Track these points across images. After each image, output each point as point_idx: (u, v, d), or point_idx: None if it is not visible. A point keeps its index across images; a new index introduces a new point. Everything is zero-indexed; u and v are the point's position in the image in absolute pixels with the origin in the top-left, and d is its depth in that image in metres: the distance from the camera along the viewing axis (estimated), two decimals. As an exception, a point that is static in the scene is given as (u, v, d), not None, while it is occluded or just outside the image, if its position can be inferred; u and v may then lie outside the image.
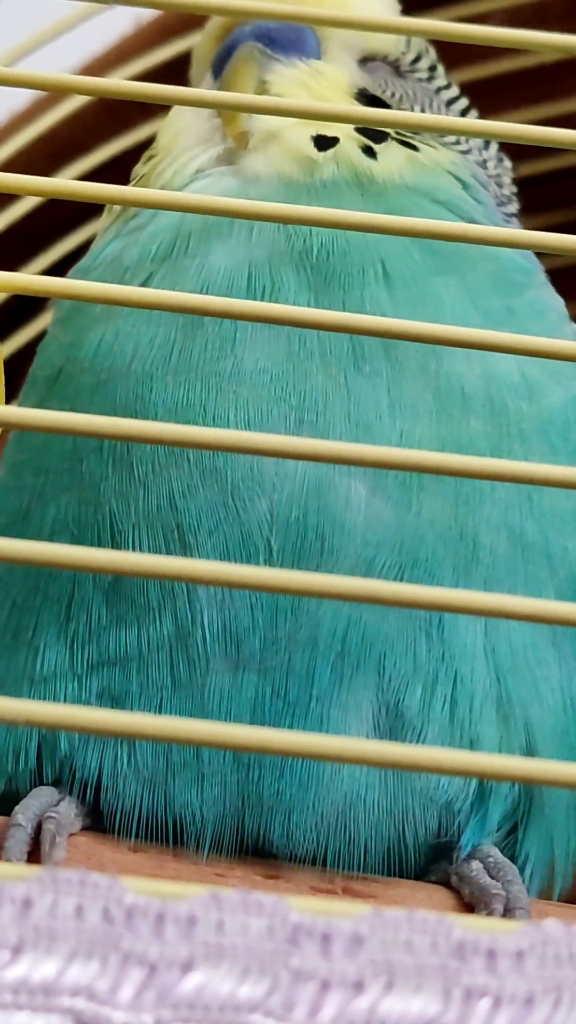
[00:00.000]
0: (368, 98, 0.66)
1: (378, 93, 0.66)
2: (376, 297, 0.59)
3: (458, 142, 0.67)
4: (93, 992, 0.42)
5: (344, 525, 0.56)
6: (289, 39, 0.65)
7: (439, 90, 0.70)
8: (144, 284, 0.60)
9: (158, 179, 0.64)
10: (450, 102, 0.70)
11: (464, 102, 0.71)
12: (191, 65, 0.70)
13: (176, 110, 0.67)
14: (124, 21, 0.79)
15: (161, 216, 0.62)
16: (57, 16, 0.74)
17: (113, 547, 0.57)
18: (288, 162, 0.62)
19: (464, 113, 0.70)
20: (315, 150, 0.63)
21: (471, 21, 0.79)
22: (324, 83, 0.65)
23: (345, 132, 0.63)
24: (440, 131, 0.53)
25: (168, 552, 0.56)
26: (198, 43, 0.70)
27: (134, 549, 0.57)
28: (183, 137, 0.65)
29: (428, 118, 0.57)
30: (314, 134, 0.63)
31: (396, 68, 0.68)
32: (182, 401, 0.58)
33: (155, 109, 0.76)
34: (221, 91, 0.64)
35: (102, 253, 0.63)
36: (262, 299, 0.59)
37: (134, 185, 0.66)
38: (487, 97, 0.76)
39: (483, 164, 0.68)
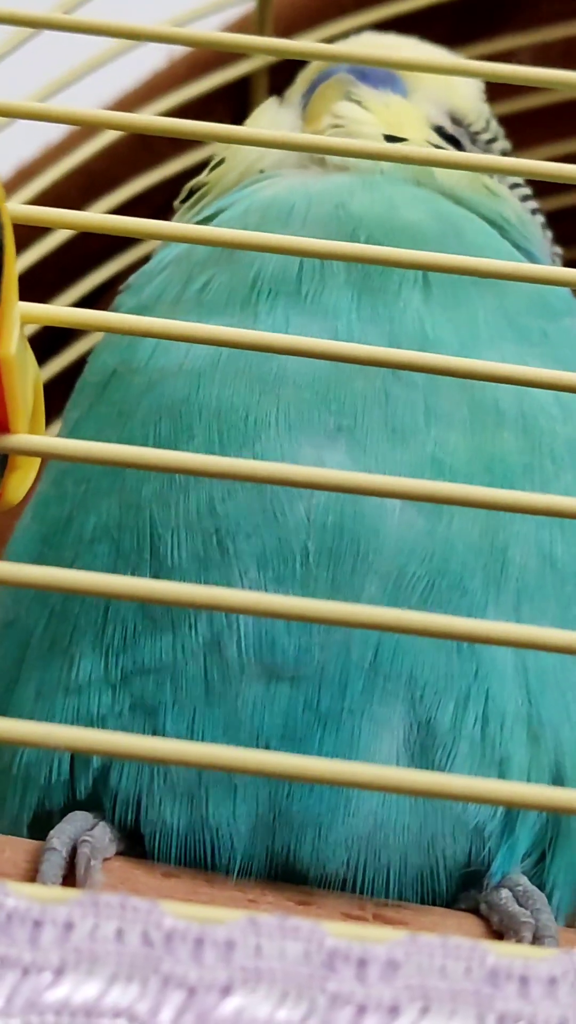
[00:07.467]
0: (445, 136, 0.67)
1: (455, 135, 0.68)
2: (411, 300, 0.60)
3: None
4: (134, 1014, 0.43)
5: (378, 531, 0.57)
6: (379, 76, 0.67)
7: None
8: (208, 280, 0.61)
9: (227, 176, 0.66)
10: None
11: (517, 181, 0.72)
12: (223, 101, 0.72)
13: (255, 116, 0.68)
14: (157, 57, 0.80)
15: (225, 211, 0.64)
16: (91, 52, 0.74)
17: (152, 552, 0.58)
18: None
19: (513, 187, 0.71)
20: None
21: (497, 59, 0.80)
22: (406, 109, 0.67)
23: (414, 134, 0.65)
24: (481, 171, 0.54)
25: (207, 556, 0.57)
26: (294, 85, 0.71)
27: (174, 553, 0.57)
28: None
29: (471, 157, 0.58)
30: (385, 132, 0.65)
31: (472, 134, 0.70)
32: (226, 403, 0.58)
33: (188, 143, 0.77)
34: (303, 128, 0.66)
35: (171, 253, 0.64)
36: (311, 288, 0.60)
37: (198, 188, 0.68)
38: (512, 133, 0.77)
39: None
